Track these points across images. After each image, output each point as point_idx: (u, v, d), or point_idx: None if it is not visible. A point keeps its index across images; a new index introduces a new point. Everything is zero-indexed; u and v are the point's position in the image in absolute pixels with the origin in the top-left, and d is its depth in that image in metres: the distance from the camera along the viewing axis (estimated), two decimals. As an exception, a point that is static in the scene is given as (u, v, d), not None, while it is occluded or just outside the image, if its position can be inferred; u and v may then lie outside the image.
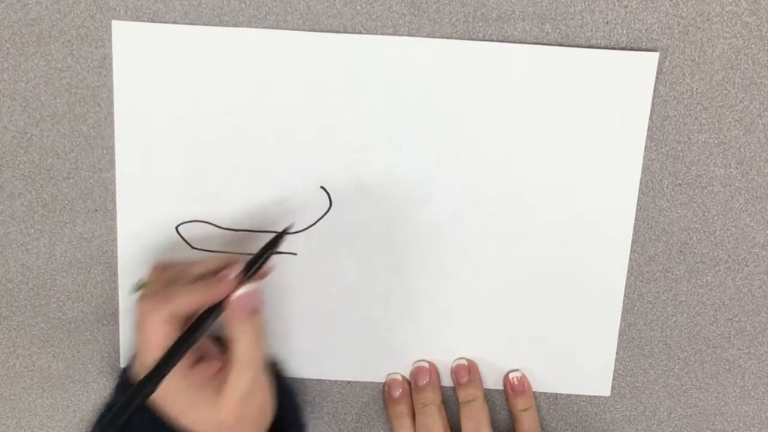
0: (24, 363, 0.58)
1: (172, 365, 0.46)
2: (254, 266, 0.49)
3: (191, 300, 0.47)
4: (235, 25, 0.52)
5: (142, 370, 0.48)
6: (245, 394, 0.48)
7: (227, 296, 0.48)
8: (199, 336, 0.47)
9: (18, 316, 0.57)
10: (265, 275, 0.50)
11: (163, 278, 0.50)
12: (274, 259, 0.51)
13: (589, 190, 0.54)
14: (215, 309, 0.48)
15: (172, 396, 0.48)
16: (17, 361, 0.58)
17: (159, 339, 0.47)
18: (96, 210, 0.55)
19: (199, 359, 0.50)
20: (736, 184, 0.55)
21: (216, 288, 0.48)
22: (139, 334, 0.48)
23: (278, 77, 0.52)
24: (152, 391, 0.46)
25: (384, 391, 0.58)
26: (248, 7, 0.52)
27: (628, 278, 0.56)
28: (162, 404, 0.49)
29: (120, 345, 0.58)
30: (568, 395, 0.59)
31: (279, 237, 0.51)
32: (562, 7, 0.52)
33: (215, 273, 0.49)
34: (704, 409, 0.59)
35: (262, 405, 0.50)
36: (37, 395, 0.59)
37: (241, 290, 0.48)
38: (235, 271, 0.48)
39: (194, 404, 0.48)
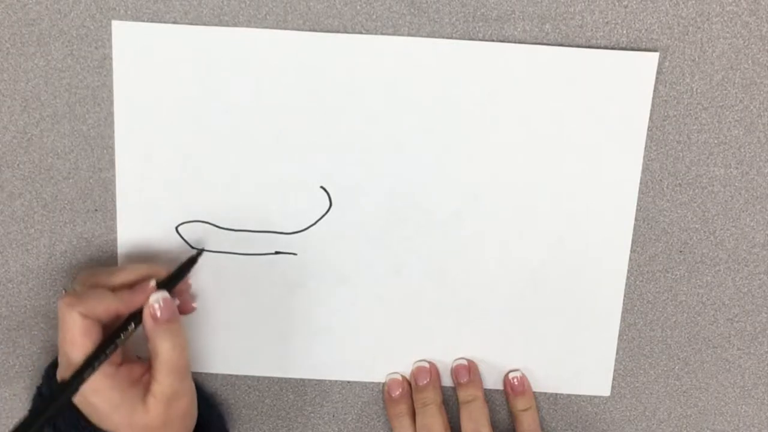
0: (24, 363, 0.58)
1: (96, 365, 0.48)
2: (172, 280, 0.52)
3: (108, 303, 0.49)
4: (235, 25, 0.52)
5: (63, 370, 0.48)
6: (171, 397, 0.49)
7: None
8: (122, 341, 0.49)
9: (18, 316, 0.57)
10: (184, 291, 0.54)
11: (85, 284, 0.51)
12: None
13: (589, 190, 0.54)
14: (136, 316, 0.50)
15: (96, 397, 0.48)
16: (17, 361, 0.58)
17: (76, 336, 0.48)
18: (96, 210, 0.55)
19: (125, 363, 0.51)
20: (736, 184, 0.55)
21: (132, 296, 0.50)
22: (59, 334, 0.49)
23: (278, 77, 0.52)
24: (76, 390, 0.47)
25: (384, 391, 0.58)
26: (248, 7, 0.52)
27: (628, 278, 0.56)
28: (86, 406, 0.49)
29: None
30: (568, 395, 0.59)
31: (197, 256, 0.54)
32: (562, 7, 0.52)
33: (135, 283, 0.51)
34: (704, 409, 0.59)
35: (187, 410, 0.51)
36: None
37: (153, 297, 0.50)
38: (152, 282, 0.50)
39: (119, 406, 0.49)
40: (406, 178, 0.54)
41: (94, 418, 0.49)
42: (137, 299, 0.50)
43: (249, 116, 0.53)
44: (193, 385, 0.52)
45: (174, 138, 0.54)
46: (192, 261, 0.54)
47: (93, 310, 0.48)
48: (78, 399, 0.48)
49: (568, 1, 0.52)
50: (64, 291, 0.54)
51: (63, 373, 0.48)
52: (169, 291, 0.51)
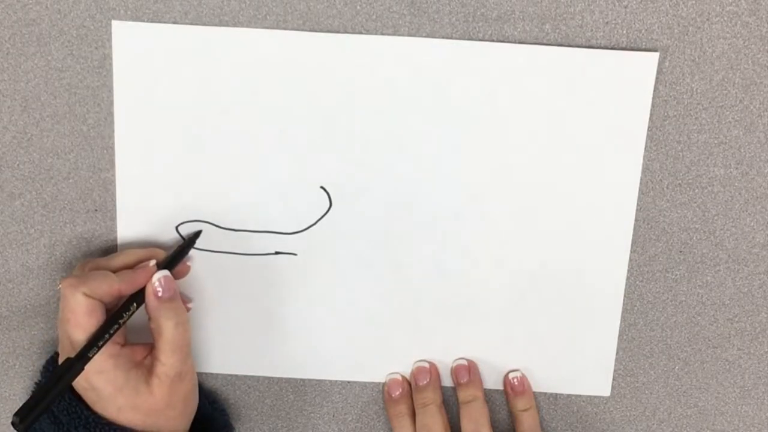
0: (24, 363, 0.58)
1: (100, 345, 0.48)
2: (173, 260, 0.53)
3: (110, 283, 0.49)
4: (235, 25, 0.52)
5: (66, 354, 0.48)
6: (174, 378, 0.50)
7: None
8: (124, 321, 0.49)
9: (18, 316, 0.57)
10: (184, 273, 0.54)
11: (85, 269, 0.52)
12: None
13: (589, 191, 0.54)
14: (138, 296, 0.50)
15: (100, 378, 0.48)
16: (17, 361, 0.58)
17: (80, 316, 0.48)
18: (96, 210, 0.55)
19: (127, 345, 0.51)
20: (736, 184, 0.55)
21: (133, 275, 0.50)
22: (60, 317, 0.49)
23: (278, 77, 0.52)
24: (81, 369, 0.47)
25: (384, 391, 0.58)
26: (248, 7, 0.52)
27: (628, 278, 0.56)
28: (89, 391, 0.49)
29: (120, 345, 0.58)
30: (568, 395, 0.59)
31: (195, 236, 0.55)
32: (562, 7, 0.52)
33: (135, 266, 0.52)
34: (704, 409, 0.59)
35: (189, 392, 0.52)
36: (37, 395, 0.59)
37: (155, 276, 0.50)
38: (152, 262, 0.51)
39: (123, 387, 0.49)
40: (406, 178, 0.54)
41: (97, 404, 0.49)
42: (139, 279, 0.50)
43: (249, 116, 0.53)
44: (194, 367, 0.52)
45: (174, 138, 0.54)
46: (190, 242, 0.54)
47: (96, 291, 0.49)
48: (80, 384, 0.49)
49: (568, 1, 0.52)
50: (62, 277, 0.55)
51: (66, 356, 0.48)
52: (169, 272, 0.52)
